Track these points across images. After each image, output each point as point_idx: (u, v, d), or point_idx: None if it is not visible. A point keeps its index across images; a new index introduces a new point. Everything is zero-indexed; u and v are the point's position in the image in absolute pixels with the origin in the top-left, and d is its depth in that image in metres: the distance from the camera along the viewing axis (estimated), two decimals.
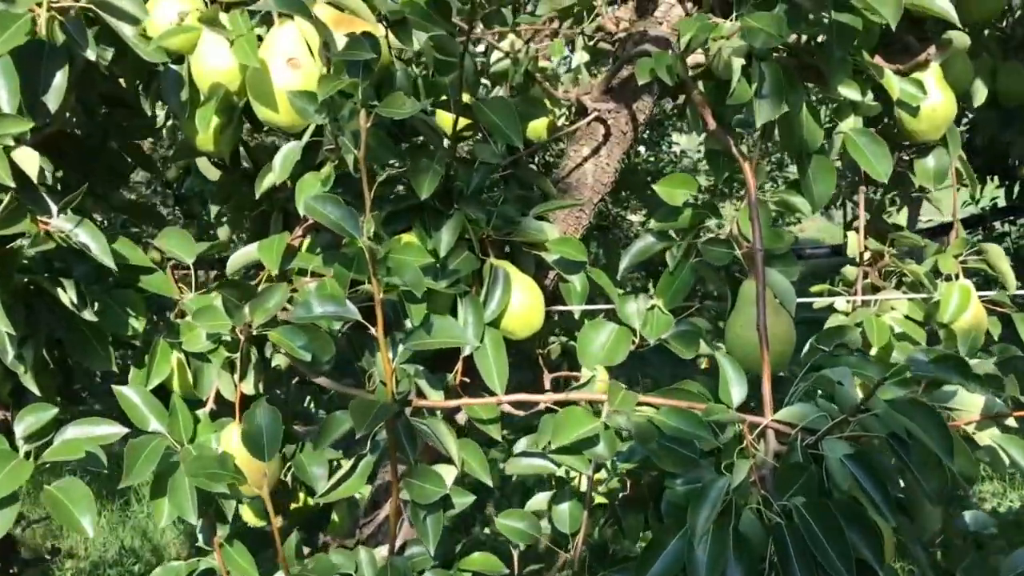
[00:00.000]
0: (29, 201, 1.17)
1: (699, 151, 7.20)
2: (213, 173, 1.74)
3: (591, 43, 1.87)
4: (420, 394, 1.26)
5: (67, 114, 1.54)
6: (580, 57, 1.83)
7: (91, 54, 1.27)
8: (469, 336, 1.20)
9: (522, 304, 1.44)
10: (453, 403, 1.25)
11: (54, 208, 1.17)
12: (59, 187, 1.62)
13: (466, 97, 1.51)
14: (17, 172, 1.15)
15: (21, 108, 1.18)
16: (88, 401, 1.71)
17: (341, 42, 1.19)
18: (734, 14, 1.36)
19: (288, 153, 1.34)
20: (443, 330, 1.18)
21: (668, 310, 1.42)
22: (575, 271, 1.44)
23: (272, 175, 1.37)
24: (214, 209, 1.79)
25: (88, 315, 1.24)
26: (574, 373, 1.74)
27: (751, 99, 1.19)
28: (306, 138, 1.36)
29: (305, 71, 1.34)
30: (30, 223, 1.14)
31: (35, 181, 1.12)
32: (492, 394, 1.34)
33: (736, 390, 1.27)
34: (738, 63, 1.16)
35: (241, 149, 1.73)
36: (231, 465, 1.14)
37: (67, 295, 1.22)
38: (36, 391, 1.33)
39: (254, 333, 1.28)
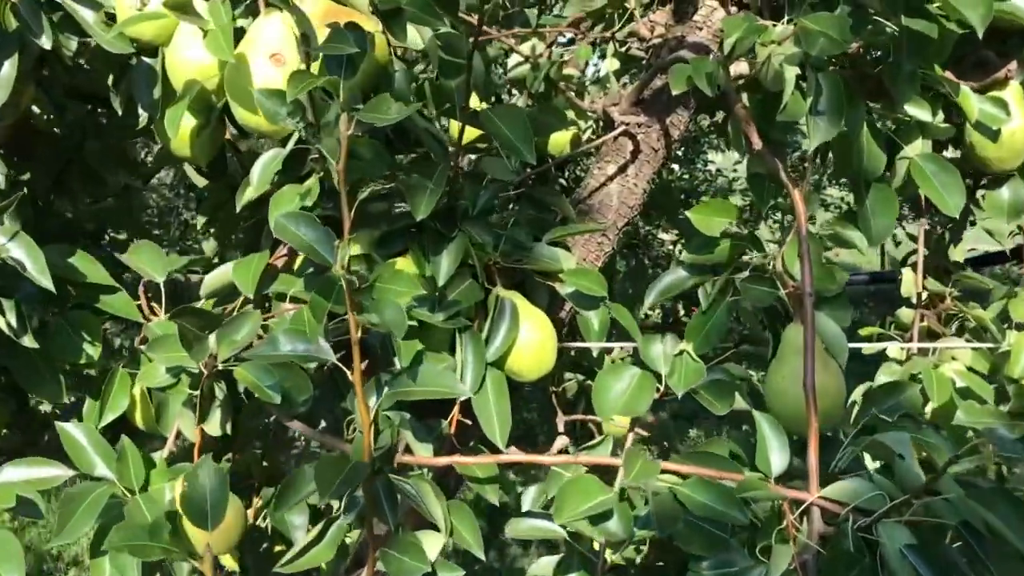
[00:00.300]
0: None
1: (735, 170, 6.97)
2: (200, 181, 1.58)
3: (622, 49, 1.69)
4: (406, 447, 1.08)
5: (31, 110, 1.39)
6: (609, 64, 1.65)
7: (46, 42, 1.11)
8: (464, 384, 1.02)
9: (531, 341, 1.25)
10: (443, 461, 1.07)
11: None
12: (25, 190, 1.47)
13: (478, 103, 1.33)
14: None
15: None
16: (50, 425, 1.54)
17: None
18: (786, 17, 1.17)
19: (267, 163, 1.17)
20: (432, 377, 1.00)
21: (699, 355, 1.23)
22: (592, 307, 1.26)
23: (250, 189, 1.20)
24: (200, 220, 1.62)
25: (28, 341, 1.08)
26: (591, 417, 1.56)
27: (805, 116, 1.00)
28: (290, 145, 1.19)
29: (290, 69, 1.17)
30: None
31: None
32: (492, 445, 1.15)
33: (776, 457, 1.08)
34: (791, 73, 0.97)
35: (231, 156, 1.57)
36: (166, 534, 0.96)
37: (3, 318, 1.05)
38: None
39: (219, 368, 1.11)
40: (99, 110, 1.52)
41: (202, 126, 1.24)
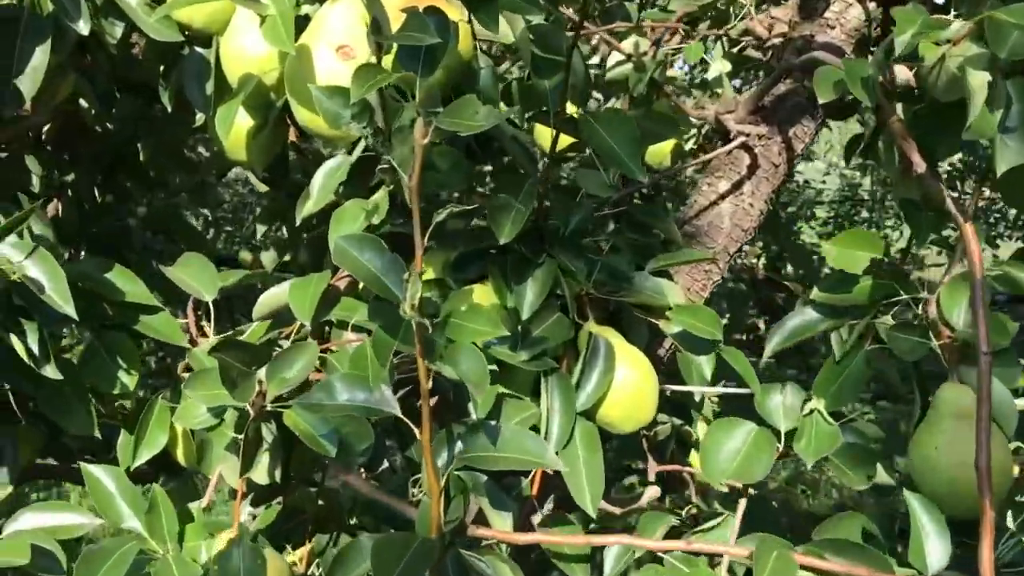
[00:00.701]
0: None
1: (823, 182, 6.64)
2: (261, 187, 1.43)
3: (734, 49, 1.49)
4: (479, 517, 0.91)
5: (78, 104, 1.25)
6: (720, 67, 1.45)
7: (83, 27, 0.96)
8: (550, 452, 0.84)
9: (628, 387, 1.07)
10: (527, 539, 0.90)
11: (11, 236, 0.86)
12: (69, 192, 1.34)
13: (571, 108, 1.15)
14: None
15: None
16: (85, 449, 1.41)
17: None
18: (953, 12, 0.97)
19: (330, 172, 1.01)
20: (517, 440, 0.83)
21: (828, 412, 1.03)
22: (704, 351, 1.07)
23: (310, 201, 1.04)
24: (260, 230, 1.48)
25: (50, 372, 0.93)
26: (690, 469, 1.36)
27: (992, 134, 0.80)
28: (356, 153, 1.03)
29: (360, 63, 1.00)
30: None
31: None
32: (578, 509, 0.97)
33: (935, 550, 0.88)
34: (979, 79, 0.77)
35: (294, 159, 1.42)
36: None
37: (22, 344, 0.91)
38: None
39: (268, 408, 0.95)
40: (153, 104, 1.38)
41: (259, 126, 1.08)
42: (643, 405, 1.09)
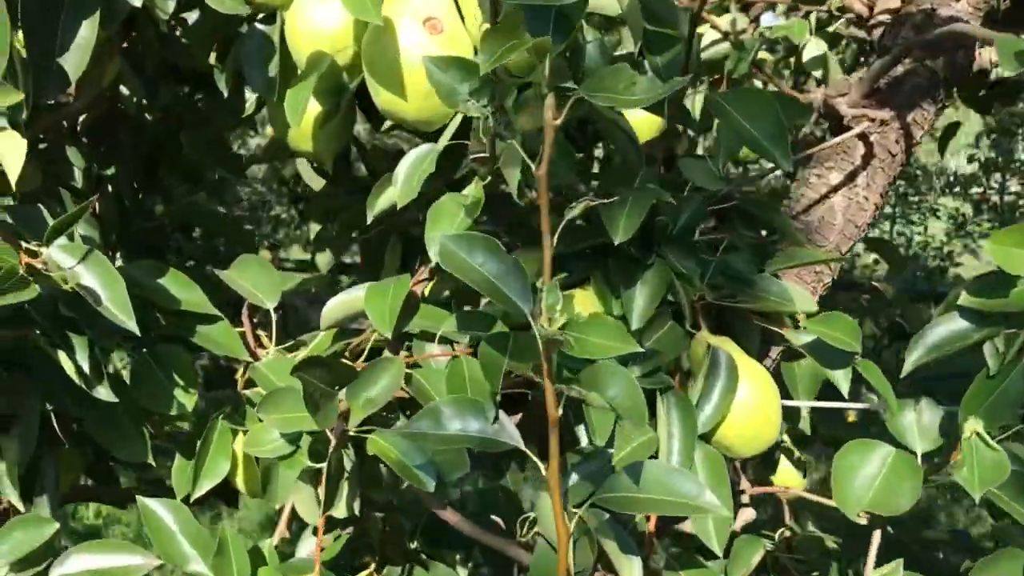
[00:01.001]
0: (18, 217, 0.75)
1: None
2: (317, 181, 1.30)
3: (829, 28, 1.36)
4: (604, 561, 0.78)
5: (118, 90, 1.13)
6: (815, 47, 1.32)
7: None
8: (708, 494, 0.70)
9: (751, 406, 0.94)
10: None
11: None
12: (109, 189, 1.21)
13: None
14: None
15: (15, 71, 0.75)
16: (129, 474, 1.29)
17: None
18: None
19: (417, 161, 0.88)
20: (663, 482, 0.70)
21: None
22: (840, 364, 0.94)
23: (391, 192, 0.91)
24: (313, 228, 1.35)
25: (104, 393, 0.81)
26: (784, 489, 1.24)
27: None
28: (445, 140, 0.90)
29: (449, 38, 0.88)
30: (7, 254, 0.71)
31: (12, 183, 0.68)
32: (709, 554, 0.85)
33: None
34: None
35: (353, 148, 1.29)
36: None
37: (71, 362, 0.79)
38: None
39: (350, 433, 0.82)
40: (197, 90, 1.25)
41: (330, 112, 0.96)
42: (767, 426, 0.96)
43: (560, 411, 0.67)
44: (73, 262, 0.72)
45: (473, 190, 0.86)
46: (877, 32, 1.25)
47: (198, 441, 0.95)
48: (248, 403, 0.99)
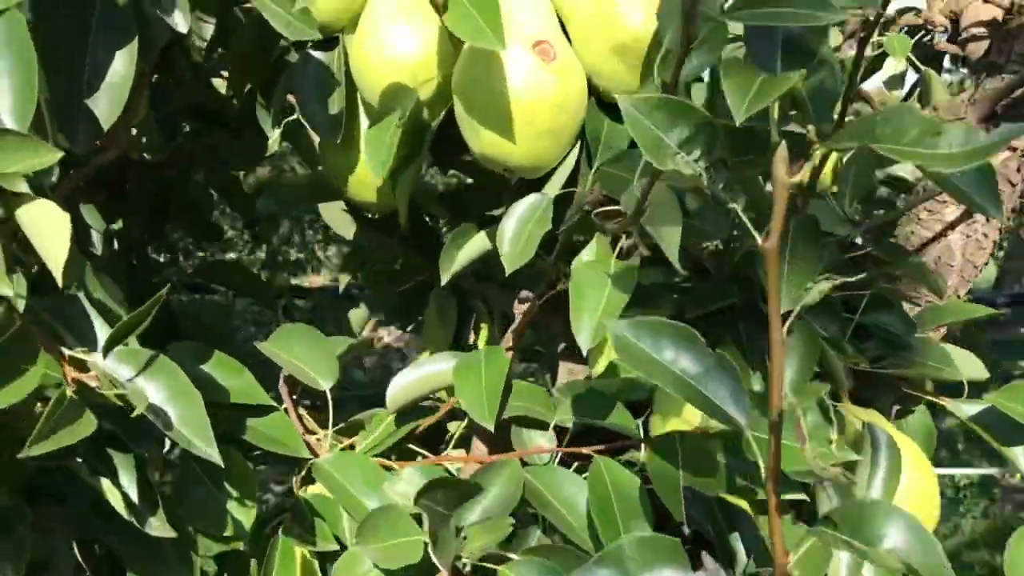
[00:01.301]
0: (55, 315, 0.57)
1: None
2: (346, 226, 1.12)
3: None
4: None
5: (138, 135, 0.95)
6: (895, 65, 1.20)
7: (181, 22, 0.67)
8: None
9: (915, 493, 0.80)
10: None
11: (100, 332, 0.56)
12: (115, 244, 1.03)
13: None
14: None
15: (44, 122, 0.58)
16: None
17: None
18: None
19: (528, 214, 0.72)
20: None
21: None
22: (1020, 440, 0.80)
23: (476, 246, 0.75)
24: (343, 279, 1.18)
25: (157, 527, 0.64)
26: None
27: None
28: (555, 187, 0.75)
29: (563, 66, 0.72)
30: (47, 367, 0.53)
31: (58, 276, 0.51)
32: None
33: None
34: None
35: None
36: None
37: (115, 492, 0.61)
38: None
39: (467, 569, 0.66)
40: (214, 129, 1.07)
41: (408, 157, 0.79)
42: (930, 515, 0.82)
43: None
44: (132, 372, 0.55)
45: (629, 265, 0.69)
46: (972, 47, 1.13)
47: (251, 560, 0.78)
48: (308, 508, 0.82)
